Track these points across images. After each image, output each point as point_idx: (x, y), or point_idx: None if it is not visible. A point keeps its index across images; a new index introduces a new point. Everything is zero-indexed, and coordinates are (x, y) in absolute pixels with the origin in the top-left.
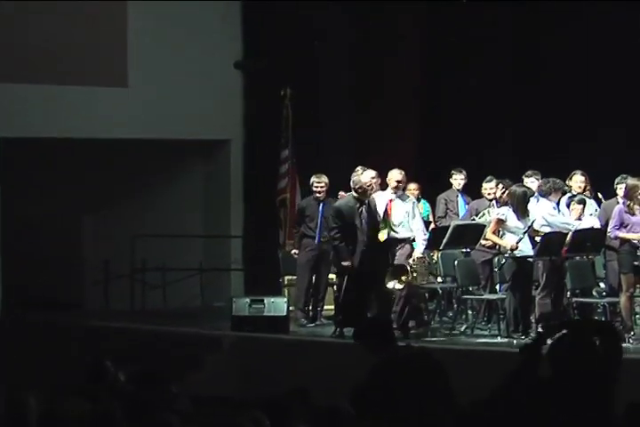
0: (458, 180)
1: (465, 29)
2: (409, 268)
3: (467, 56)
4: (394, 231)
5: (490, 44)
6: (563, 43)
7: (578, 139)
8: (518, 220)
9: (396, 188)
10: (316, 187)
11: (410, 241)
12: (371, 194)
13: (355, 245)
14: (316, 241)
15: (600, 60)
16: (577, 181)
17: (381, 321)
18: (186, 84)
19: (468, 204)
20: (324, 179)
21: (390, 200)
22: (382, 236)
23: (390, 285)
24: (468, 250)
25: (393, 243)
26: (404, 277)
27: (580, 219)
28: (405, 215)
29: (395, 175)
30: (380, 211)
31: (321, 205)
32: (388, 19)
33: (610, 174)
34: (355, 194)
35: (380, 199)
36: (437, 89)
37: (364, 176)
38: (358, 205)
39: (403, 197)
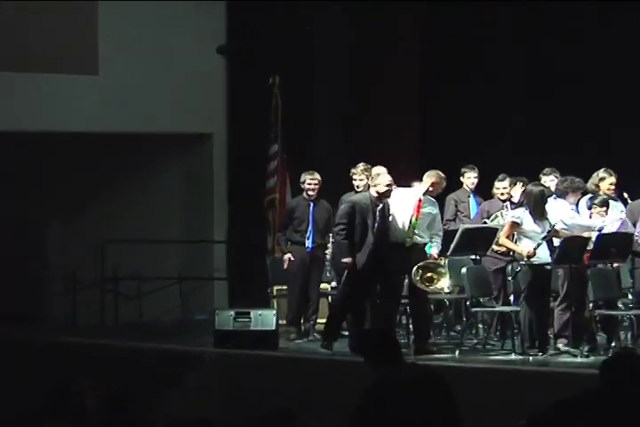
0: (471, 178)
1: (465, 29)
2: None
3: (467, 56)
4: (418, 236)
5: (490, 43)
6: (564, 41)
7: (592, 137)
8: (535, 223)
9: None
10: (309, 185)
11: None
12: (389, 196)
13: (362, 244)
14: (307, 247)
15: (603, 58)
16: (608, 182)
17: (385, 333)
18: (162, 72)
19: (480, 205)
20: (317, 176)
21: (420, 200)
22: (410, 239)
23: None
24: (479, 257)
25: (415, 248)
26: (429, 275)
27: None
28: (427, 218)
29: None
30: (401, 210)
31: (312, 205)
32: (388, 18)
33: (636, 172)
34: (374, 193)
35: (403, 198)
36: (438, 84)
37: (384, 177)
38: (374, 205)
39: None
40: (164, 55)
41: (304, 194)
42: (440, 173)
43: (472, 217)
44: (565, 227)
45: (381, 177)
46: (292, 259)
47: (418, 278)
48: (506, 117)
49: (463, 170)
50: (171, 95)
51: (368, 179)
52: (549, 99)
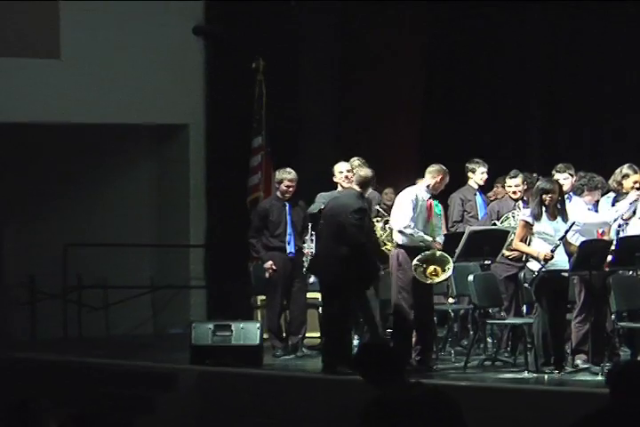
0: (479, 174)
1: (466, 13)
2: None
3: (468, 42)
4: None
5: (493, 34)
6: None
7: (608, 132)
8: (546, 222)
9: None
10: (287, 187)
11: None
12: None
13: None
14: (289, 253)
15: (610, 54)
16: (632, 179)
17: (387, 348)
18: (132, 56)
19: (487, 204)
20: (295, 175)
21: (430, 200)
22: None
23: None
24: (488, 263)
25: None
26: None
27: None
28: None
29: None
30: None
31: (288, 206)
32: None
33: None
34: (358, 189)
35: (409, 196)
36: (439, 71)
37: (366, 169)
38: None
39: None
40: (134, 37)
41: (278, 194)
42: (443, 166)
43: (480, 218)
44: (578, 228)
45: (365, 169)
46: (275, 267)
47: (421, 271)
48: (513, 110)
49: (471, 166)
50: (142, 82)
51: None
52: (560, 90)
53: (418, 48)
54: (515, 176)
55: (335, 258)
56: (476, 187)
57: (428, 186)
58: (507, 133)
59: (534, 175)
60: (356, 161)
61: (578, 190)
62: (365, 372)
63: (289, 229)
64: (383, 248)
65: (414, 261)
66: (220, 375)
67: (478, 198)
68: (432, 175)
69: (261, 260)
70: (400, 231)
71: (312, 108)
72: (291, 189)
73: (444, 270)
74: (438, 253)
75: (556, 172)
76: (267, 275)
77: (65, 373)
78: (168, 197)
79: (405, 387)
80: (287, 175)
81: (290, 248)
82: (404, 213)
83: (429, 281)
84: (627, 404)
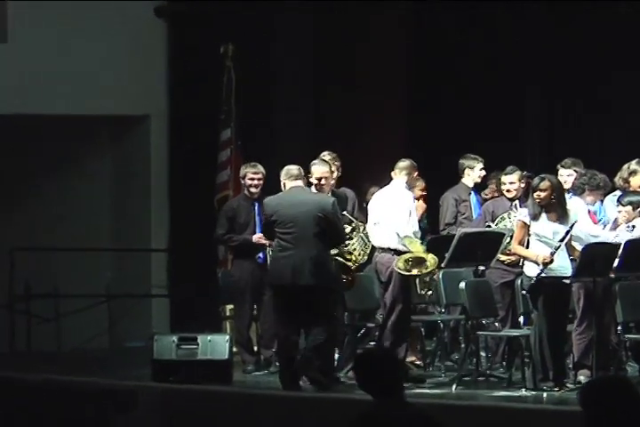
0: (477, 171)
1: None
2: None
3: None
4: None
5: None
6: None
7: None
8: (545, 223)
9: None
10: (251, 180)
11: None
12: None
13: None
14: (258, 258)
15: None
16: None
17: (394, 354)
18: (88, 40)
19: (482, 204)
20: (261, 169)
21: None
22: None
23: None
24: (482, 268)
25: None
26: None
27: (631, 228)
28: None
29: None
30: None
31: (256, 206)
32: None
33: None
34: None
35: (409, 199)
36: (428, 53)
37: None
38: None
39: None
40: (88, 18)
41: (246, 192)
42: (413, 162)
43: (474, 219)
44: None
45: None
46: (264, 241)
47: (408, 267)
48: (509, 104)
49: (467, 163)
50: (97, 68)
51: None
52: (557, 78)
53: (402, 37)
54: (510, 173)
55: (325, 261)
56: (471, 185)
57: (406, 183)
58: (502, 128)
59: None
60: (327, 156)
61: (578, 190)
62: (367, 380)
63: (258, 231)
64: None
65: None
66: (186, 394)
67: (473, 198)
68: (407, 171)
69: (244, 241)
70: (400, 236)
71: (286, 97)
72: (255, 183)
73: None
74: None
75: (561, 167)
76: (267, 245)
77: (10, 391)
78: (126, 196)
79: (402, 403)
80: (250, 169)
81: (259, 253)
82: (407, 219)
83: (419, 271)
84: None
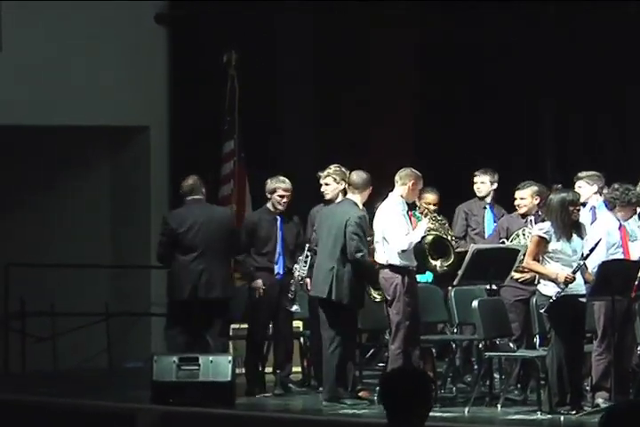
0: (487, 184)
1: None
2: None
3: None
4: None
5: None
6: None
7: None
8: (562, 240)
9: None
10: (281, 197)
11: None
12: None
13: None
14: (277, 274)
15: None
16: None
17: (426, 373)
18: (87, 49)
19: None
20: (289, 185)
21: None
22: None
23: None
24: (495, 287)
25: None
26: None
27: None
28: None
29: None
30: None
31: (279, 220)
32: None
33: None
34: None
35: (398, 210)
36: (437, 64)
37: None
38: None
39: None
40: (87, 26)
41: (269, 206)
42: (416, 171)
43: (487, 235)
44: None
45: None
46: (264, 288)
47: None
48: (524, 109)
49: (480, 176)
50: (96, 78)
51: (339, 183)
52: (574, 89)
53: (411, 44)
54: (521, 188)
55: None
56: (489, 200)
57: (401, 195)
58: (515, 139)
59: (558, 186)
60: (331, 168)
61: (610, 204)
62: (396, 402)
63: (279, 247)
64: None
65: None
66: (186, 416)
67: (488, 213)
68: (403, 181)
69: (250, 278)
70: (400, 251)
71: (292, 108)
72: (285, 199)
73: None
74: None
75: (577, 179)
76: (256, 295)
77: (5, 413)
78: (126, 211)
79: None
80: (281, 184)
81: (278, 269)
82: (401, 232)
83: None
84: None
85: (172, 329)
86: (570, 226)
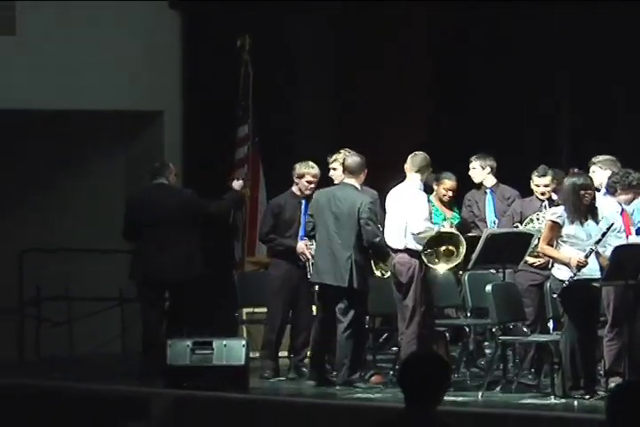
0: (478, 169)
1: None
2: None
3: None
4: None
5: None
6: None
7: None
8: (575, 224)
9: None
10: (310, 182)
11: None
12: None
13: None
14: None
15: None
16: None
17: (444, 358)
18: (100, 34)
19: (496, 204)
20: (318, 170)
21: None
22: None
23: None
24: (509, 271)
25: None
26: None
27: None
28: None
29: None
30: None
31: (303, 205)
32: None
33: None
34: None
35: (423, 197)
36: (455, 46)
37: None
38: None
39: None
40: (100, 11)
41: (294, 190)
42: (426, 155)
43: (489, 220)
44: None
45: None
46: (307, 252)
47: (434, 258)
48: (535, 96)
49: (476, 162)
50: (109, 62)
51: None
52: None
53: (423, 33)
54: (544, 174)
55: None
56: (489, 185)
57: (421, 180)
58: (530, 125)
59: (576, 170)
60: (341, 153)
61: (611, 189)
62: (414, 386)
63: (302, 231)
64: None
65: (423, 257)
66: (200, 400)
67: (489, 197)
68: (416, 169)
69: (288, 248)
70: (415, 234)
71: (307, 92)
72: (312, 185)
73: (457, 248)
74: (439, 231)
75: (593, 164)
76: (302, 258)
77: (21, 398)
78: None
79: (431, 416)
80: (311, 170)
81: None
82: (421, 217)
83: (450, 264)
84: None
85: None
86: (583, 210)
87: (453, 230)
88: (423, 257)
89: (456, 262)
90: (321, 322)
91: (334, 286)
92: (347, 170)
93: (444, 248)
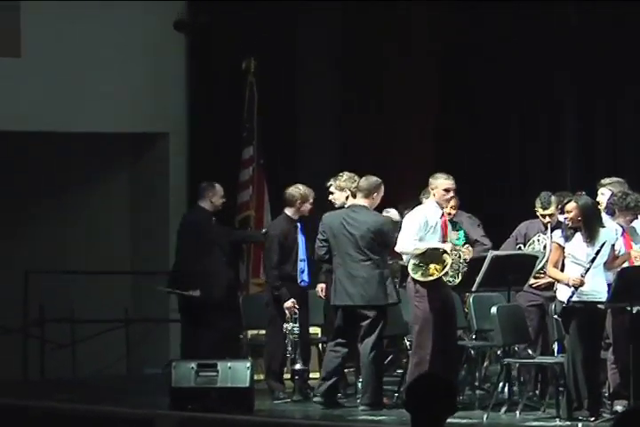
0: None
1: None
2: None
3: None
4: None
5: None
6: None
7: None
8: (584, 244)
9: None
10: (312, 204)
11: None
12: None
13: None
14: (302, 281)
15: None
16: None
17: (446, 384)
18: (105, 55)
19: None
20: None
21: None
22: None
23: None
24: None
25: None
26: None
27: None
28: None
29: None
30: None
31: (299, 227)
32: None
33: None
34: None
35: (416, 218)
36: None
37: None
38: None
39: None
40: (106, 33)
41: (289, 213)
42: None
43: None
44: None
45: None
46: (297, 307)
47: (421, 272)
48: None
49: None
50: (114, 84)
51: (343, 190)
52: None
53: (430, 49)
54: (547, 207)
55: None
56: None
57: (437, 202)
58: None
59: (582, 193)
60: (345, 175)
61: (610, 210)
62: (420, 409)
63: (302, 254)
64: None
65: (410, 263)
66: (205, 422)
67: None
68: (431, 187)
69: (280, 296)
70: (401, 253)
71: (311, 114)
72: (311, 208)
73: (443, 266)
74: (427, 250)
75: (601, 186)
76: (287, 313)
77: (24, 420)
78: (144, 217)
79: None
80: (312, 193)
81: (303, 277)
82: (408, 235)
83: (426, 278)
84: None
85: None
86: (573, 231)
87: (446, 248)
88: (409, 264)
89: (429, 279)
90: (339, 345)
91: (360, 305)
92: (359, 190)
93: (432, 267)
